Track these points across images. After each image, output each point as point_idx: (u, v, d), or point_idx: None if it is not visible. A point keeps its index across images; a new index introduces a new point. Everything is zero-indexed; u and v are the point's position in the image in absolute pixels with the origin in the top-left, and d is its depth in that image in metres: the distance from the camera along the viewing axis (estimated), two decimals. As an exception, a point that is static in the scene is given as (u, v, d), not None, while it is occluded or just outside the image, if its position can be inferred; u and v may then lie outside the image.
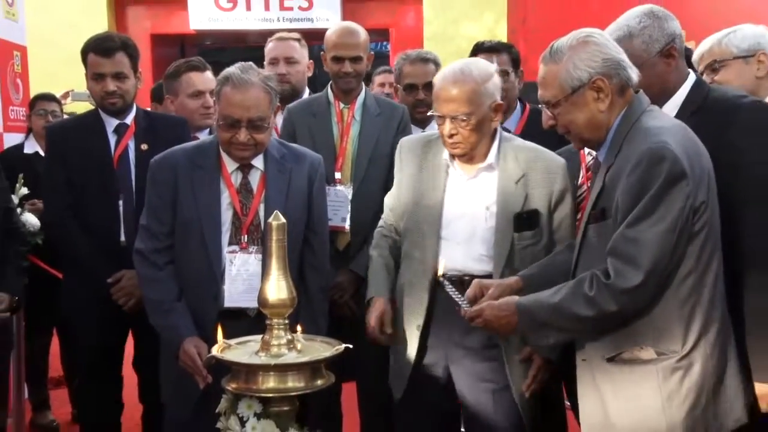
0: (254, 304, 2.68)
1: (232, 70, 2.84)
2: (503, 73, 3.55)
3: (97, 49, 3.39)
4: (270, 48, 3.94)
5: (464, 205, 2.75)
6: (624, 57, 2.29)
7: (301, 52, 3.94)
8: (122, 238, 3.35)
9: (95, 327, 3.38)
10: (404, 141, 3.00)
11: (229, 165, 2.90)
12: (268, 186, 2.91)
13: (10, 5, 5.13)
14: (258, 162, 2.91)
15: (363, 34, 3.63)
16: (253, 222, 2.89)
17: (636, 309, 2.17)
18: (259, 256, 2.85)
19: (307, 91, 4.00)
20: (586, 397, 2.34)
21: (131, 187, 3.41)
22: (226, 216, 2.88)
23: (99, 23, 8.37)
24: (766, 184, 2.32)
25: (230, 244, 2.88)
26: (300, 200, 2.95)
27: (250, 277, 2.85)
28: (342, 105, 3.54)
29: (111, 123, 3.46)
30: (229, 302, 2.86)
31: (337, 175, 3.46)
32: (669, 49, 2.48)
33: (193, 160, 2.92)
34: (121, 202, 3.38)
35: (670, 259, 2.13)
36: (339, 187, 3.44)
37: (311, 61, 4.07)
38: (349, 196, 3.42)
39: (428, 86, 3.40)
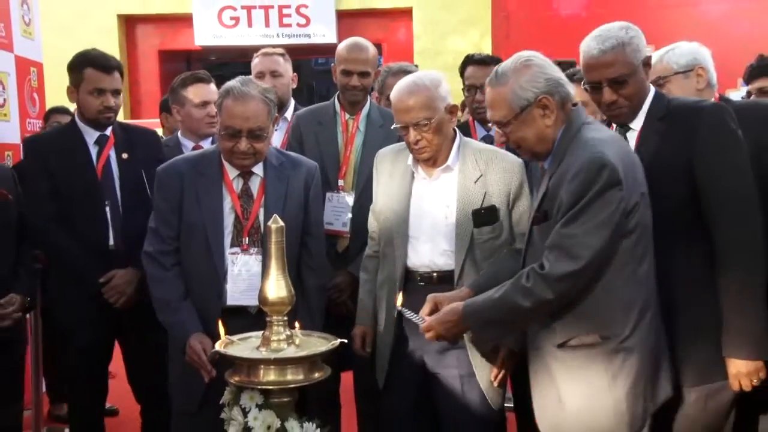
0: (255, 302, 2.69)
1: (233, 83, 2.83)
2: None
3: (99, 65, 3.37)
4: (256, 63, 3.90)
5: (427, 205, 2.79)
6: (562, 75, 2.38)
7: (285, 66, 3.90)
8: (111, 242, 3.32)
9: (85, 327, 3.35)
10: (379, 153, 3.03)
11: (231, 172, 2.89)
12: (268, 192, 2.90)
13: (27, 25, 5.13)
14: (258, 169, 2.90)
15: (372, 50, 3.63)
16: (254, 225, 2.87)
17: (569, 296, 2.25)
18: (259, 257, 2.84)
19: (292, 101, 3.95)
20: (540, 383, 2.42)
21: (116, 194, 3.38)
22: (229, 220, 2.87)
23: (110, 41, 8.36)
24: (732, 195, 2.37)
25: (232, 246, 2.86)
26: (297, 205, 2.94)
27: (250, 276, 2.84)
28: (347, 116, 3.53)
29: (91, 135, 3.42)
30: (231, 300, 2.84)
31: (340, 183, 3.44)
32: (647, 59, 2.51)
33: (196, 168, 2.91)
34: (107, 209, 3.34)
35: (603, 252, 2.20)
36: (341, 194, 3.43)
37: (294, 73, 4.02)
38: (351, 203, 3.42)
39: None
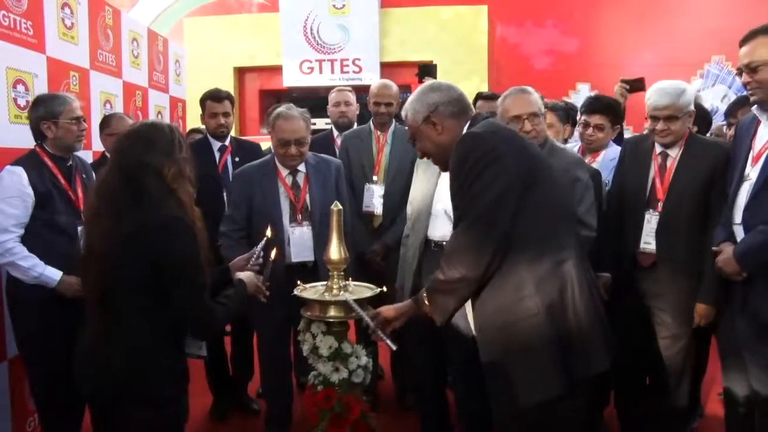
0: (310, 258, 2.82)
1: (281, 109, 2.89)
2: (494, 114, 3.47)
3: (213, 97, 3.48)
4: (333, 96, 3.94)
5: (446, 194, 2.65)
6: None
7: (352, 98, 3.95)
8: None
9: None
10: (418, 159, 2.94)
11: (283, 171, 2.93)
12: (310, 183, 2.93)
13: (178, 75, 5.27)
14: (301, 167, 2.94)
15: (394, 87, 3.62)
16: (303, 206, 2.90)
17: None
18: (310, 227, 2.87)
19: (355, 123, 3.98)
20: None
21: (230, 184, 3.38)
22: (285, 204, 2.90)
23: (228, 85, 8.44)
24: None
25: (291, 221, 2.88)
26: (331, 190, 2.96)
27: (305, 241, 2.87)
28: (379, 132, 3.54)
29: (216, 144, 3.50)
30: (295, 258, 2.88)
31: (374, 178, 3.46)
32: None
33: (260, 170, 2.95)
34: (225, 194, 3.39)
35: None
36: (375, 186, 3.43)
37: (358, 104, 4.04)
38: (382, 192, 3.41)
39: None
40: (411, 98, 1.99)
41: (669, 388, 2.66)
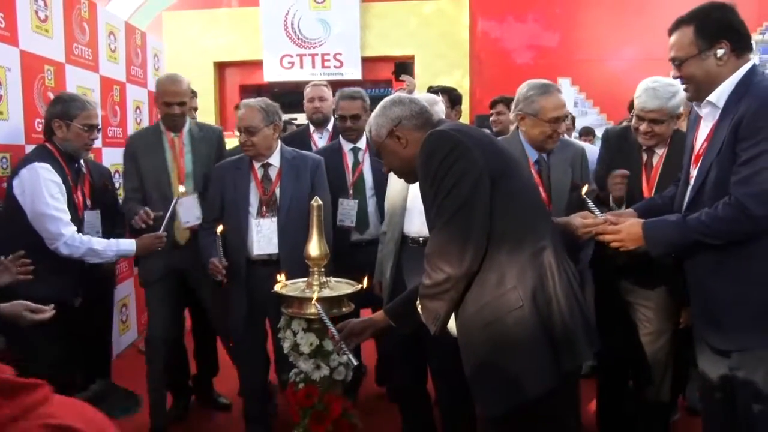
0: (274, 251, 2.81)
1: (246, 100, 2.90)
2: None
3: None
4: (309, 91, 3.80)
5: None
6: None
7: (328, 93, 3.79)
8: None
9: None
10: None
11: (257, 164, 2.91)
12: (282, 176, 2.89)
13: (157, 69, 5.22)
14: (275, 162, 2.91)
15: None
16: (271, 199, 2.88)
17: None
18: (274, 219, 2.85)
19: (332, 117, 3.76)
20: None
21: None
22: (254, 197, 2.88)
23: (208, 79, 8.33)
24: None
25: (258, 214, 2.87)
26: (305, 186, 2.91)
27: (269, 234, 2.84)
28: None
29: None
30: (257, 251, 2.85)
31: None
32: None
33: (235, 165, 2.94)
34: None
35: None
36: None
37: (333, 98, 3.85)
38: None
39: (354, 117, 3.25)
40: (374, 113, 1.90)
41: (652, 383, 2.64)
